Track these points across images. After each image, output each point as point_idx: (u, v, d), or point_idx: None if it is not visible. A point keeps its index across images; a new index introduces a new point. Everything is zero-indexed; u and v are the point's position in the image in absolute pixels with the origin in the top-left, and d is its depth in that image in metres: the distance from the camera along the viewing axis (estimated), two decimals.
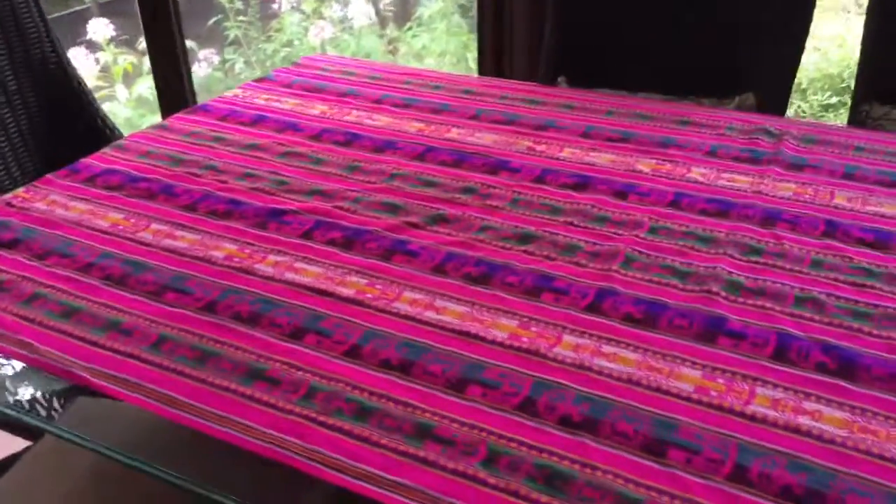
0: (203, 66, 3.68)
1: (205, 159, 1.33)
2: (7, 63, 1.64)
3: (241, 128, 1.46)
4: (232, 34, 3.94)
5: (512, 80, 1.68)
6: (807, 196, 1.16)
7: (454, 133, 1.41)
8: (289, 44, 4.01)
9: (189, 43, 3.82)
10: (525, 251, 1.06)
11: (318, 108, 1.54)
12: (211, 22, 3.77)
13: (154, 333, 0.92)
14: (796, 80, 3.30)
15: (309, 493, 0.80)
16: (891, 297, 0.94)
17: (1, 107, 1.64)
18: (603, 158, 1.30)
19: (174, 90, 2.46)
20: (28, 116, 1.70)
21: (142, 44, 2.72)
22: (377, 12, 3.92)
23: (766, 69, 1.63)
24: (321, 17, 3.92)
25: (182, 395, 0.83)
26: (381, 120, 1.48)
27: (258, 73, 3.03)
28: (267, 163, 1.32)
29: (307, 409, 0.80)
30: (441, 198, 1.19)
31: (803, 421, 0.77)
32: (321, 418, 0.79)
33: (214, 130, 1.45)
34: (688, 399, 0.80)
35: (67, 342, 0.91)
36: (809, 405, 0.79)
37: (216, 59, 3.75)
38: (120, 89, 3.51)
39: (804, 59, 3.31)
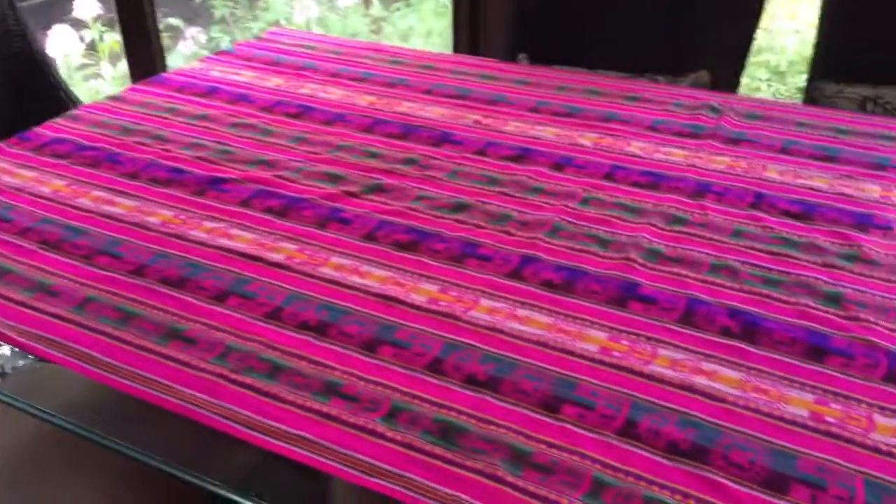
0: (189, 44, 3.68)
1: (154, 129, 1.35)
2: None
3: (195, 99, 1.47)
4: (219, 13, 3.95)
5: (470, 56, 1.69)
6: (739, 169, 1.18)
7: (404, 107, 1.43)
8: (275, 23, 4.02)
9: (175, 21, 3.84)
10: (456, 220, 1.08)
11: (273, 81, 1.55)
12: (198, 0, 3.77)
13: (81, 295, 0.94)
14: (775, 63, 3.30)
15: (242, 452, 0.82)
16: (804, 266, 0.96)
17: None
18: (547, 132, 1.32)
19: (149, 71, 2.46)
20: None
21: None
22: None
23: (720, 47, 1.64)
24: None
25: (102, 354, 0.85)
26: (335, 93, 1.49)
27: None
28: (215, 133, 1.33)
29: (220, 368, 0.83)
30: (382, 168, 1.21)
31: (699, 381, 0.79)
32: (233, 376, 0.82)
33: (169, 101, 1.46)
34: (591, 360, 0.83)
35: None
36: (707, 366, 0.81)
37: (203, 38, 3.75)
38: (105, 67, 3.52)
39: (784, 41, 3.28)
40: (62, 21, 3.56)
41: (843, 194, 1.11)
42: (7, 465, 1.06)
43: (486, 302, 0.92)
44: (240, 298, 0.93)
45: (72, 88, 1.84)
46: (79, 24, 3.49)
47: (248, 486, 0.77)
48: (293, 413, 0.77)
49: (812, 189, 1.12)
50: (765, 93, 3.16)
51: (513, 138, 1.30)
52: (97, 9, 3.45)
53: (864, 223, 1.04)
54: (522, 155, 1.24)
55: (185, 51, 3.61)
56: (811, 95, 1.63)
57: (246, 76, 1.57)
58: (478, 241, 1.03)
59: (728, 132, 1.29)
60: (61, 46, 3.76)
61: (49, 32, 3.63)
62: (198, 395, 0.79)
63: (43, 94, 1.76)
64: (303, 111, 1.41)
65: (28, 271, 0.98)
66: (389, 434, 0.74)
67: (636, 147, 1.26)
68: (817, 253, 0.98)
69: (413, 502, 0.68)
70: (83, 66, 3.59)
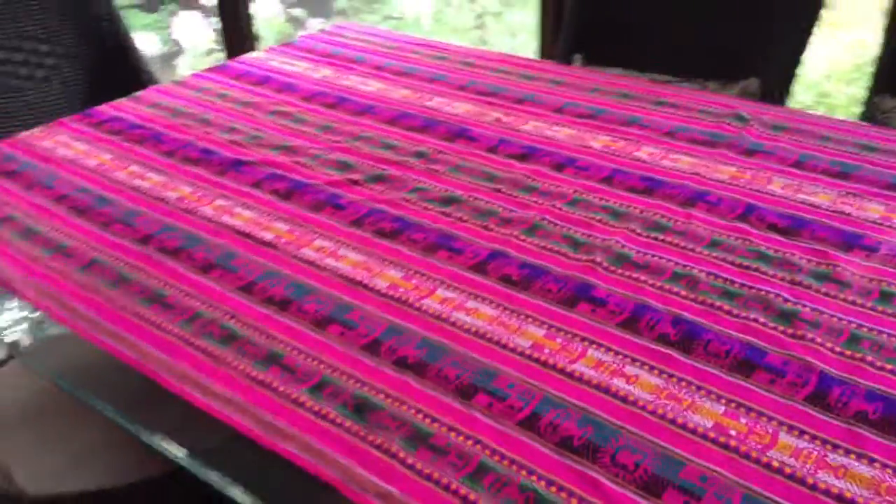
0: None
1: (201, 113, 1.46)
2: (65, 18, 1.82)
3: (247, 87, 1.58)
4: (339, 5, 4.15)
5: (514, 55, 1.71)
6: (742, 180, 1.16)
7: (434, 102, 1.48)
8: (388, 16, 4.18)
9: (298, 11, 4.06)
10: (442, 212, 1.12)
11: (322, 73, 1.63)
12: None
13: (89, 256, 1.05)
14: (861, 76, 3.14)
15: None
16: (769, 281, 0.94)
17: (59, 58, 1.83)
18: (561, 133, 1.34)
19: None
20: (83, 68, 1.88)
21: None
22: None
23: (773, 56, 1.59)
24: None
25: (94, 314, 0.95)
26: (374, 86, 1.56)
27: None
28: (254, 119, 1.43)
29: (184, 331, 0.91)
30: (391, 160, 1.27)
31: (616, 382, 0.80)
32: (192, 339, 0.89)
33: (223, 88, 1.58)
34: (521, 354, 0.85)
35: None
36: (631, 370, 0.82)
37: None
38: None
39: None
40: (190, 8, 3.83)
41: (840, 212, 1.07)
42: (23, 411, 1.16)
43: (441, 292, 0.96)
44: (221, 271, 1.01)
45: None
46: (207, 11, 3.74)
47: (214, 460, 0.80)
48: (231, 376, 0.84)
49: (811, 205, 1.09)
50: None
51: (526, 137, 1.32)
52: None
53: (851, 242, 1.00)
54: (528, 154, 1.27)
55: None
56: (868, 111, 1.56)
57: (299, 67, 1.67)
58: (455, 233, 1.07)
59: (747, 142, 1.27)
60: (187, 32, 4.03)
61: (174, 19, 3.91)
62: (156, 353, 0.88)
63: (126, 72, 1.92)
64: (338, 102, 1.49)
65: (50, 233, 1.11)
66: (308, 403, 0.80)
67: (645, 152, 1.26)
68: (788, 269, 0.96)
69: (305, 465, 0.74)
70: (209, 52, 3.84)
